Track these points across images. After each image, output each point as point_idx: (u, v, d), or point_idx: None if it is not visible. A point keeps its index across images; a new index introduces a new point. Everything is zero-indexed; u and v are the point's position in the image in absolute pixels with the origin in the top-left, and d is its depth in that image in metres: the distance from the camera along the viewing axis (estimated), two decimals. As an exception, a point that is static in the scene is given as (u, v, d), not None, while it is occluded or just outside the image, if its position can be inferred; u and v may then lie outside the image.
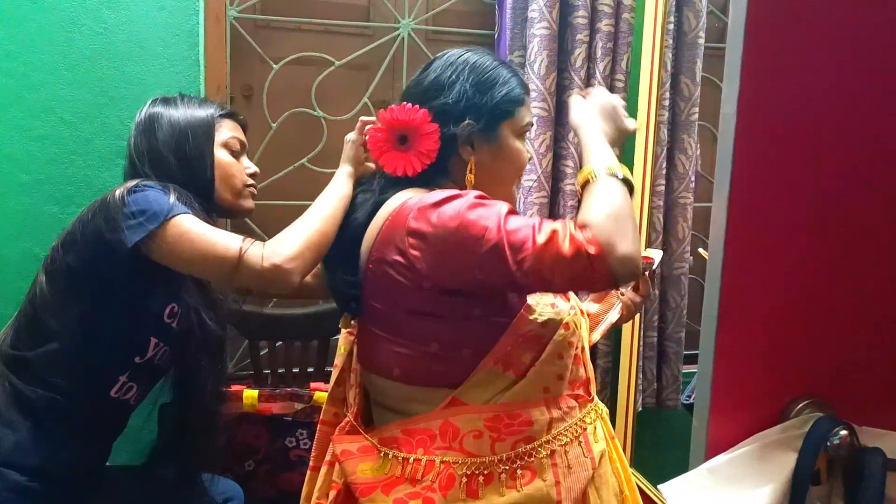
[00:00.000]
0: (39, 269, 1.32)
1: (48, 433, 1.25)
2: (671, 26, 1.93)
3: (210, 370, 1.38)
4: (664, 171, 2.03)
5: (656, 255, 1.40)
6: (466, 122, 1.14)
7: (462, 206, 1.02)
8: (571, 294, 1.26)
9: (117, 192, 1.23)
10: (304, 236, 1.15)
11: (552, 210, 2.00)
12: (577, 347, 1.15)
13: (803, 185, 0.86)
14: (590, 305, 1.39)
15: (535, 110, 1.92)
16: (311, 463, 1.24)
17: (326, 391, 1.33)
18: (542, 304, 1.10)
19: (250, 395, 1.71)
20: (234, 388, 1.73)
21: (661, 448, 1.76)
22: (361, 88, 2.08)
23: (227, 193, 1.39)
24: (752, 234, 0.86)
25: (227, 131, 1.41)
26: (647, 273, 1.38)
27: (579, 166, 1.98)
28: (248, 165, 1.45)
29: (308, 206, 1.20)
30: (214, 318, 1.36)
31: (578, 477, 1.08)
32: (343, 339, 1.26)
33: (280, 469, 1.73)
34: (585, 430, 1.13)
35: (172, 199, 1.22)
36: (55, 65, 1.74)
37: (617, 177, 1.03)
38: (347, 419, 1.19)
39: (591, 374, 1.21)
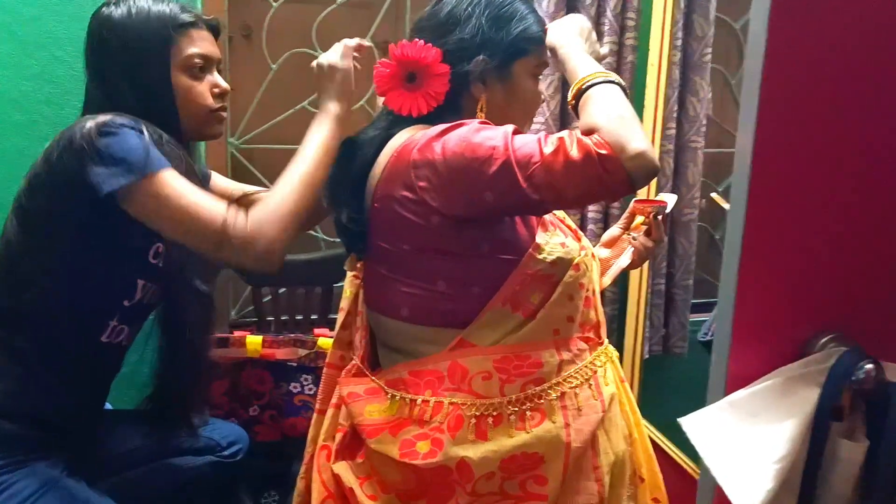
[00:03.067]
0: (9, 213, 1.23)
1: (40, 380, 1.21)
2: (684, -37, 1.87)
3: (197, 308, 1.33)
4: (675, 115, 1.98)
5: (670, 199, 1.37)
6: (480, 58, 1.12)
7: (467, 131, 1.00)
8: (583, 235, 1.23)
9: (86, 129, 1.12)
10: (290, 209, 1.09)
11: (560, 154, 1.96)
12: (587, 290, 1.13)
13: (833, 110, 0.82)
14: (601, 250, 1.37)
15: (543, 50, 1.87)
16: (317, 406, 1.23)
17: (330, 337, 1.31)
18: (552, 244, 1.08)
19: (254, 340, 1.69)
20: (238, 334, 1.71)
21: (667, 395, 1.75)
22: (364, 28, 2.02)
23: (189, 122, 1.26)
24: (778, 162, 0.82)
25: (186, 47, 1.24)
26: (659, 217, 1.35)
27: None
28: (215, 82, 1.28)
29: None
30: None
31: (588, 419, 1.07)
32: (349, 282, 1.24)
33: (284, 414, 1.72)
34: (595, 372, 1.12)
35: (152, 149, 1.11)
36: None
37: (612, 81, 1.02)
38: (354, 362, 1.18)
39: (602, 318, 1.19)
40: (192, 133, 1.29)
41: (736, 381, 0.85)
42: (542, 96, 1.22)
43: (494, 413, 1.03)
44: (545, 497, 1.03)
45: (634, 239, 1.36)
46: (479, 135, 0.98)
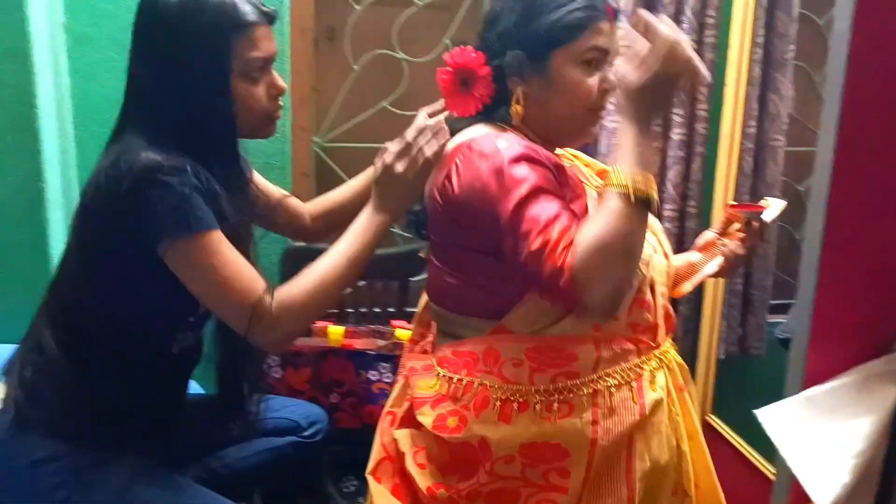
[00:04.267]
0: (70, 234, 1.24)
1: (122, 386, 1.23)
2: (768, -40, 1.84)
3: None
4: (756, 113, 1.95)
5: (776, 204, 1.27)
6: (516, 52, 1.12)
7: (495, 169, 1.03)
8: (658, 233, 1.23)
9: (135, 171, 1.08)
10: (316, 305, 1.12)
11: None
12: (643, 291, 1.12)
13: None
14: (692, 254, 1.35)
15: (620, 49, 1.87)
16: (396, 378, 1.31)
17: (407, 329, 1.37)
18: None
19: (336, 330, 1.76)
20: (320, 324, 1.78)
21: (743, 396, 1.73)
22: (443, 29, 2.07)
23: (244, 125, 1.20)
24: (859, 161, 0.82)
25: (247, 51, 1.15)
26: (754, 224, 1.26)
27: (664, 132, 1.93)
28: (273, 82, 1.21)
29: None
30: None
31: (622, 420, 1.07)
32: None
33: (363, 401, 1.78)
34: (641, 376, 1.10)
35: (198, 204, 1.09)
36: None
37: (630, 199, 0.95)
38: (428, 339, 1.26)
39: (662, 321, 1.16)
40: (246, 134, 1.24)
41: (814, 378, 0.85)
42: (609, 85, 1.12)
43: (521, 399, 1.07)
44: (566, 490, 1.05)
45: (724, 245, 1.29)
46: (503, 179, 1.02)
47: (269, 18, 1.20)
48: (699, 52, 1.92)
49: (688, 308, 2.04)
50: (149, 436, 1.27)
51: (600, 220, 0.96)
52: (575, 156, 1.31)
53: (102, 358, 1.23)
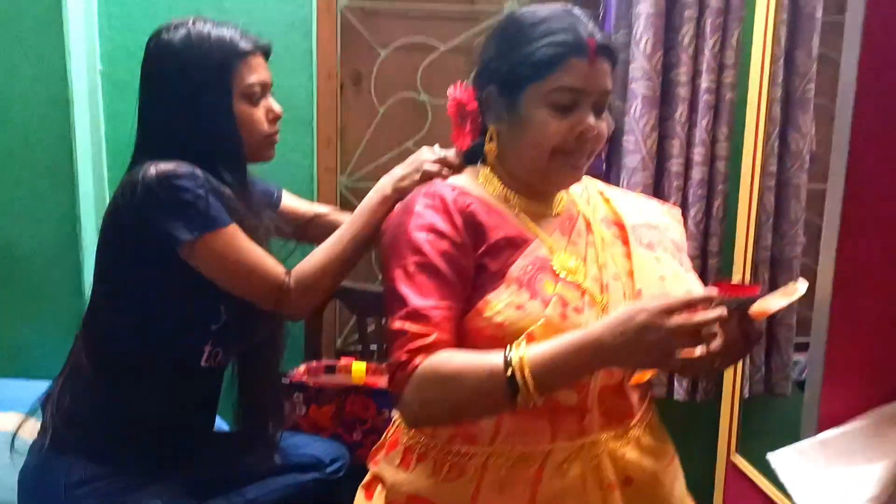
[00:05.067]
0: (95, 268, 1.32)
1: (152, 408, 1.30)
2: (786, 0, 1.86)
3: (267, 324, 1.39)
4: (776, 151, 1.96)
5: (795, 290, 0.95)
6: (490, 88, 1.09)
7: (399, 228, 1.06)
8: (568, 301, 1.05)
9: (149, 179, 1.18)
10: (328, 275, 1.27)
11: (657, 190, 1.97)
12: None
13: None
14: None
15: (639, 90, 1.90)
16: None
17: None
18: (505, 302, 1.02)
19: (359, 367, 1.78)
20: (344, 361, 1.81)
21: (768, 435, 1.72)
22: (466, 72, 2.10)
23: (247, 146, 1.31)
24: (870, 205, 0.83)
25: (246, 75, 1.27)
26: (749, 310, 0.94)
27: (685, 145, 1.95)
28: (270, 107, 1.33)
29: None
30: None
31: (509, 500, 1.03)
32: None
33: (386, 439, 1.79)
34: (546, 460, 1.03)
35: (214, 204, 1.20)
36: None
37: (504, 377, 0.91)
38: None
39: (595, 407, 1.05)
40: (248, 156, 1.33)
41: (828, 421, 0.86)
42: (583, 127, 1.04)
43: (422, 449, 1.08)
44: None
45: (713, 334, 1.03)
46: (397, 248, 1.05)
47: (264, 50, 1.33)
48: (718, 92, 1.94)
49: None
50: (180, 459, 1.33)
51: (467, 364, 0.95)
52: (601, 192, 1.24)
53: (135, 377, 1.29)
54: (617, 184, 1.98)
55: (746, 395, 1.99)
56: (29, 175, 1.75)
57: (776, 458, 0.85)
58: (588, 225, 1.16)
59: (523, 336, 0.97)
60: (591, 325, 0.92)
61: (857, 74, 0.81)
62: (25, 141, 1.73)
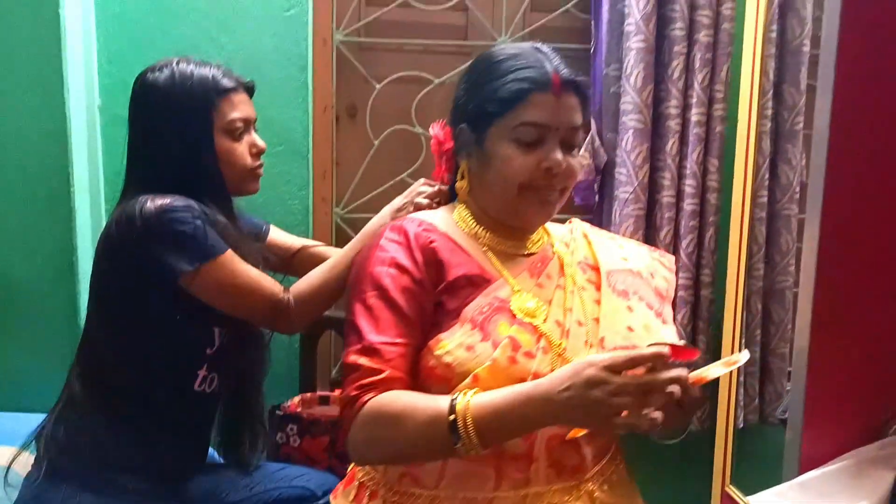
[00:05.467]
0: (89, 299, 1.36)
1: (147, 436, 1.32)
2: (773, 34, 1.89)
3: (251, 348, 1.44)
4: (766, 182, 1.98)
5: (741, 358, 0.97)
6: (461, 126, 1.11)
7: (367, 262, 1.08)
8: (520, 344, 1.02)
9: (147, 212, 1.22)
10: (324, 295, 1.33)
11: (649, 222, 1.99)
12: None
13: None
14: None
15: (631, 122, 1.92)
16: None
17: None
18: (456, 342, 1.00)
19: (352, 399, 1.78)
20: (339, 391, 1.81)
21: (762, 465, 1.72)
22: (459, 104, 2.14)
23: (230, 180, 1.37)
24: (846, 248, 0.84)
25: (228, 111, 1.34)
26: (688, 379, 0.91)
27: (677, 177, 1.96)
28: (253, 141, 1.39)
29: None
30: None
31: None
32: None
33: (379, 471, 1.79)
34: None
35: (211, 233, 1.26)
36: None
37: (446, 422, 0.91)
38: None
39: (543, 456, 1.01)
40: (233, 190, 1.39)
41: (811, 462, 0.86)
42: (546, 161, 1.03)
43: (374, 487, 1.09)
44: None
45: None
46: (357, 293, 1.06)
47: (247, 88, 1.40)
48: (708, 125, 1.97)
49: (705, 376, 2.03)
50: (173, 488, 1.34)
51: (413, 406, 0.94)
52: (585, 234, 1.22)
53: (130, 403, 1.31)
54: (609, 215, 2.00)
55: (741, 426, 1.99)
56: (26, 207, 1.76)
57: (757, 501, 0.85)
58: (561, 267, 1.14)
59: (468, 378, 0.96)
60: (539, 380, 0.90)
61: (829, 116, 0.83)
62: (24, 173, 1.75)
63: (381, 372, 0.99)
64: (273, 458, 1.68)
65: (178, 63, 1.33)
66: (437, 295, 1.06)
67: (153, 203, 1.24)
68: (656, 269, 1.19)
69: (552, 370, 0.98)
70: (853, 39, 0.81)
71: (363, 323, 1.02)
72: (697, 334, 2.04)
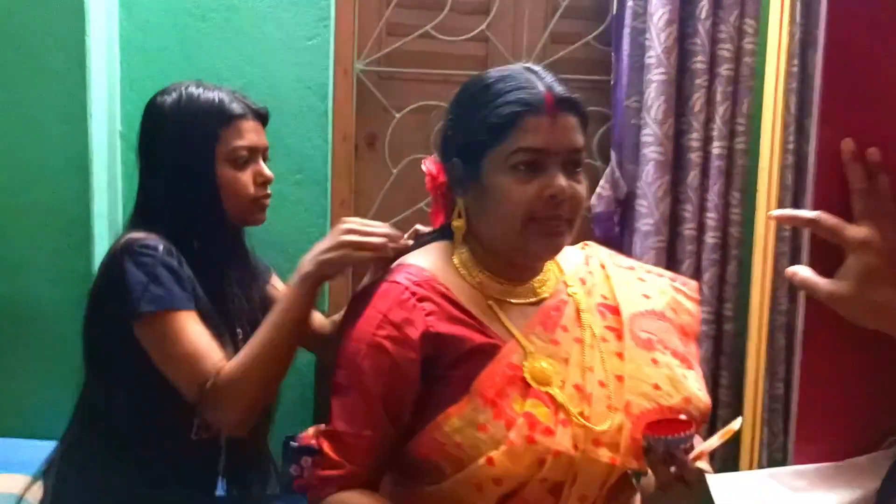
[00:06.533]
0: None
1: (151, 480, 1.27)
2: (795, 69, 1.89)
3: None
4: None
5: (735, 426, 1.02)
6: (454, 160, 1.03)
7: (348, 335, 1.01)
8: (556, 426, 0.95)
9: (121, 246, 1.19)
10: (254, 373, 1.14)
11: (670, 255, 1.97)
12: (519, 493, 0.94)
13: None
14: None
15: (651, 154, 1.91)
16: None
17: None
18: (467, 420, 0.93)
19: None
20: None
21: None
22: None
23: (233, 210, 1.29)
24: (836, 261, 0.81)
25: (232, 139, 1.27)
26: (679, 455, 0.94)
27: (699, 210, 1.94)
28: (259, 171, 1.31)
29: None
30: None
31: None
32: None
33: None
34: None
35: (176, 287, 1.17)
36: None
37: None
38: None
39: None
40: (236, 220, 1.32)
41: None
42: (549, 189, 0.95)
43: None
44: None
45: (638, 482, 1.00)
46: (344, 359, 1.00)
47: (258, 115, 1.32)
48: (730, 157, 1.95)
49: (726, 412, 1.99)
50: None
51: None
52: (603, 265, 1.13)
53: (130, 451, 1.27)
54: (630, 247, 1.97)
55: (765, 464, 1.95)
56: (46, 234, 1.76)
57: (713, 479, 0.81)
58: (578, 314, 1.05)
59: (482, 460, 0.91)
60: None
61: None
62: (45, 200, 1.75)
63: (341, 466, 0.97)
64: (288, 491, 1.65)
65: (187, 87, 1.28)
66: (438, 371, 0.97)
67: (126, 237, 1.21)
68: (679, 303, 1.12)
69: (574, 446, 0.93)
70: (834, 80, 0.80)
71: (335, 404, 1.00)
72: (720, 369, 2.01)
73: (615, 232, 2.04)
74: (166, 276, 1.17)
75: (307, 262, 1.13)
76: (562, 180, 0.96)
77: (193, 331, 1.17)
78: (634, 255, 1.95)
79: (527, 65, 1.02)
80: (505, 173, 0.97)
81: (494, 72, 1.02)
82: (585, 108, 1.01)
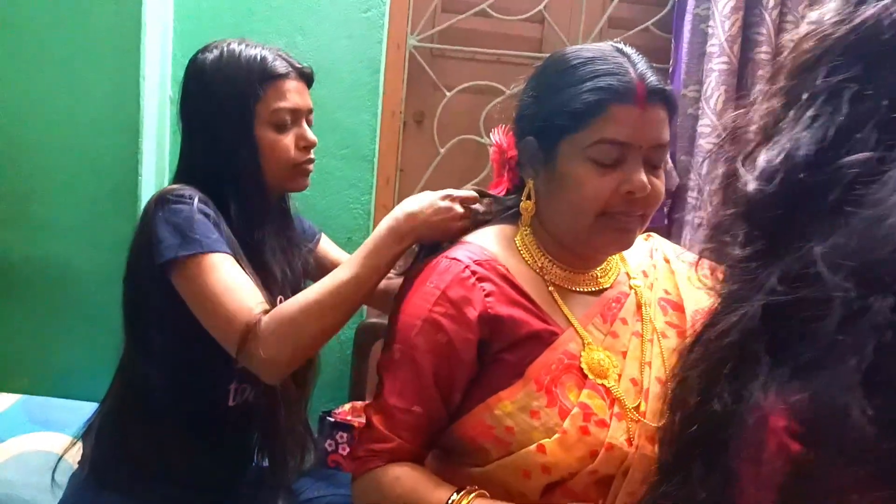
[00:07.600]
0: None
1: (189, 448, 1.27)
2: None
3: None
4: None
5: None
6: (528, 138, 0.98)
7: (400, 312, 0.98)
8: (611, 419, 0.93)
9: (153, 198, 1.15)
10: (310, 319, 1.05)
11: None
12: (567, 483, 0.90)
13: None
14: None
15: (708, 146, 1.86)
16: None
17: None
18: (520, 405, 0.91)
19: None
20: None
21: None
22: (529, 118, 2.09)
23: (272, 176, 1.22)
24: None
25: (274, 100, 1.20)
26: None
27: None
28: (302, 134, 1.24)
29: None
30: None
31: None
32: None
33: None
34: None
35: (211, 229, 1.12)
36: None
37: None
38: None
39: None
40: (276, 187, 1.26)
41: None
42: (627, 184, 0.91)
43: None
44: None
45: None
46: (397, 338, 0.97)
47: (302, 74, 1.25)
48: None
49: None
50: (218, 498, 1.31)
51: (409, 496, 0.91)
52: (667, 260, 1.10)
53: (169, 421, 1.26)
54: (678, 239, 1.93)
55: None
56: (92, 198, 1.76)
57: None
58: (639, 307, 1.02)
59: (533, 446, 0.89)
60: None
61: None
62: (93, 163, 1.75)
63: (390, 440, 0.95)
64: (321, 465, 1.65)
65: (229, 44, 1.21)
66: (493, 353, 0.95)
67: (159, 191, 1.17)
68: None
69: (628, 439, 0.91)
70: None
71: (386, 378, 0.98)
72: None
73: (664, 223, 1.99)
74: (202, 222, 1.12)
75: (401, 218, 1.08)
76: (642, 176, 0.91)
77: (232, 271, 1.10)
78: (682, 247, 1.90)
79: (619, 45, 0.96)
80: (582, 162, 0.92)
81: (583, 49, 0.96)
82: (676, 100, 0.97)
